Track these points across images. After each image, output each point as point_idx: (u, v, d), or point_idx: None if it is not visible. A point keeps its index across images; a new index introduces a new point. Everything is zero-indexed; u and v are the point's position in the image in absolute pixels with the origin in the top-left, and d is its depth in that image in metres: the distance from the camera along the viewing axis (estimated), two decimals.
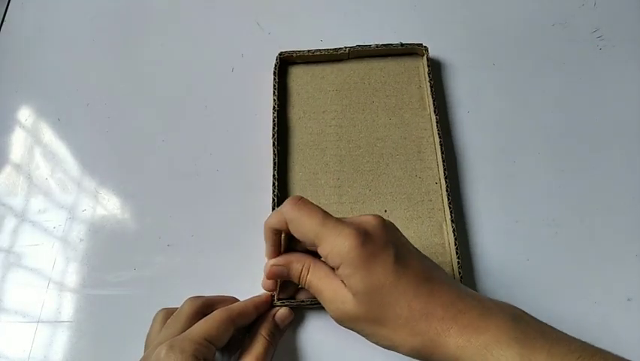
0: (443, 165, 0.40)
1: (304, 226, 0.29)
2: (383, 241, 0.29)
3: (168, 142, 0.44)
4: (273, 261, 0.33)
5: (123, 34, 0.50)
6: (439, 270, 0.30)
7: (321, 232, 0.29)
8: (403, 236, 0.31)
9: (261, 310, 0.35)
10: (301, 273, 0.32)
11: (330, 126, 0.43)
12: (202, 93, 0.46)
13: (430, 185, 0.40)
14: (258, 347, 0.33)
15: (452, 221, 0.38)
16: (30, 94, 0.48)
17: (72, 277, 0.39)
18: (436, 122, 0.41)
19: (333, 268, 0.30)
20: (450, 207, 0.38)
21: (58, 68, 0.49)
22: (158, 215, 0.41)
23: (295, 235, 0.30)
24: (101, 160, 0.44)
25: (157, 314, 0.35)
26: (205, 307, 0.34)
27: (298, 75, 0.46)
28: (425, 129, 0.42)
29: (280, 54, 0.45)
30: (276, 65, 0.45)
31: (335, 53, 0.45)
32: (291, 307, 0.36)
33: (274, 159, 0.40)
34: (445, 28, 0.49)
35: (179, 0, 0.52)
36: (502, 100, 0.45)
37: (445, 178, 0.39)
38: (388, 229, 0.30)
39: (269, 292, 0.36)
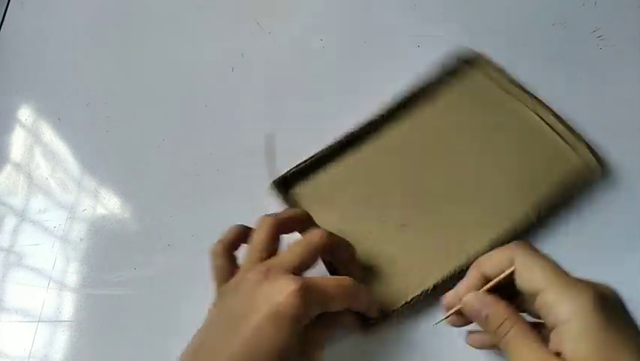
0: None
1: (534, 268, 0.26)
2: (623, 313, 0.25)
3: (168, 142, 0.44)
4: (476, 294, 0.28)
5: (123, 34, 0.50)
6: None
7: (552, 278, 0.25)
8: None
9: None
10: (503, 324, 0.27)
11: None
12: (202, 93, 0.46)
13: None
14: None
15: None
16: (30, 94, 0.48)
17: (72, 277, 0.39)
18: None
19: (537, 326, 0.27)
20: None
21: (58, 68, 0.49)
22: (158, 215, 0.41)
23: (519, 276, 0.27)
24: (101, 160, 0.44)
25: (263, 221, 0.33)
26: (333, 246, 0.32)
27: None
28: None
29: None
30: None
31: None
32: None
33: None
34: (444, 28, 0.49)
35: (178, 0, 0.52)
36: None
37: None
38: (624, 302, 0.26)
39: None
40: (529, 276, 0.26)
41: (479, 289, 0.29)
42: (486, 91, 0.42)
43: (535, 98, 0.40)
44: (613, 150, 0.41)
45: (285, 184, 0.39)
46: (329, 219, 0.37)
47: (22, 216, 0.42)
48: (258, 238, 0.32)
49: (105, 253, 0.40)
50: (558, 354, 0.24)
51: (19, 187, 0.43)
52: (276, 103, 0.45)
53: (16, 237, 0.41)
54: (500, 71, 0.42)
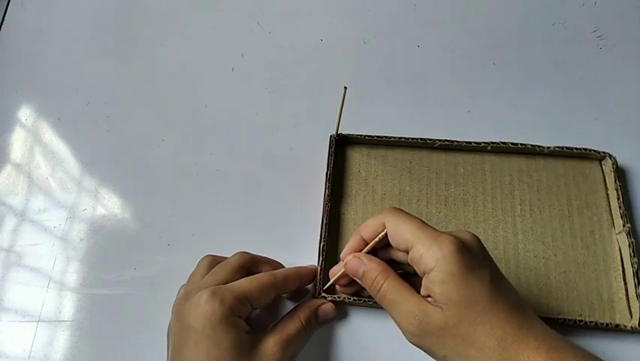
0: None
1: (403, 228, 0.29)
2: (481, 257, 0.29)
3: (168, 142, 0.44)
4: (356, 254, 0.32)
5: (123, 34, 0.50)
6: (527, 304, 0.29)
7: (419, 234, 0.29)
8: (494, 261, 0.30)
9: (305, 281, 0.36)
10: (375, 279, 0.30)
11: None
12: (202, 93, 0.46)
13: None
14: (290, 328, 0.33)
15: None
16: (30, 94, 0.48)
17: (72, 277, 0.39)
18: None
19: (415, 276, 0.30)
20: None
21: (58, 68, 0.49)
22: (158, 215, 0.41)
23: (391, 238, 0.30)
24: (101, 160, 0.44)
25: (203, 259, 0.35)
26: (252, 263, 0.35)
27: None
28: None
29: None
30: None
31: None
32: (335, 303, 0.36)
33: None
34: (443, 29, 0.49)
35: (178, 0, 0.52)
36: (501, 99, 0.45)
37: None
38: (484, 248, 0.30)
39: (314, 266, 0.36)
40: (399, 235, 0.30)
41: (359, 249, 0.32)
42: (591, 191, 0.40)
43: (630, 233, 0.37)
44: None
45: (342, 143, 0.42)
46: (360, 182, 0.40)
47: (22, 216, 0.42)
48: (229, 265, 0.34)
49: (105, 253, 0.40)
50: (429, 297, 0.28)
51: (19, 187, 0.43)
52: (275, 103, 0.46)
53: (16, 237, 0.41)
54: (618, 185, 0.39)
